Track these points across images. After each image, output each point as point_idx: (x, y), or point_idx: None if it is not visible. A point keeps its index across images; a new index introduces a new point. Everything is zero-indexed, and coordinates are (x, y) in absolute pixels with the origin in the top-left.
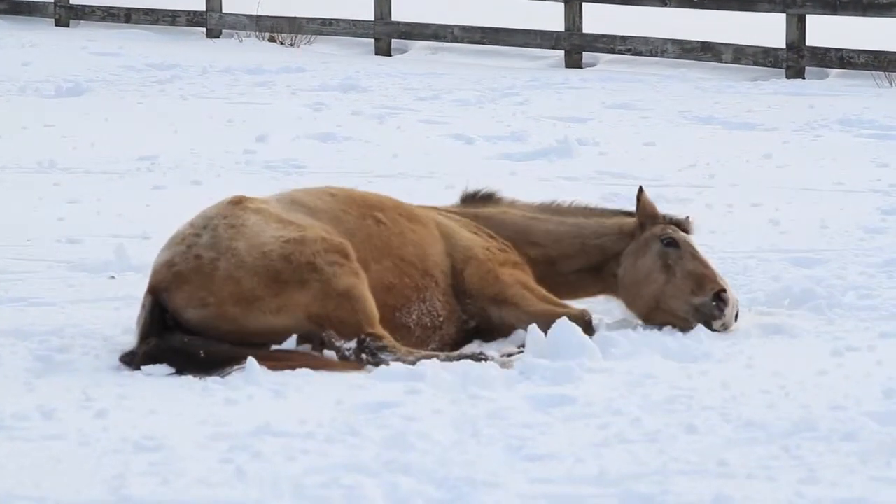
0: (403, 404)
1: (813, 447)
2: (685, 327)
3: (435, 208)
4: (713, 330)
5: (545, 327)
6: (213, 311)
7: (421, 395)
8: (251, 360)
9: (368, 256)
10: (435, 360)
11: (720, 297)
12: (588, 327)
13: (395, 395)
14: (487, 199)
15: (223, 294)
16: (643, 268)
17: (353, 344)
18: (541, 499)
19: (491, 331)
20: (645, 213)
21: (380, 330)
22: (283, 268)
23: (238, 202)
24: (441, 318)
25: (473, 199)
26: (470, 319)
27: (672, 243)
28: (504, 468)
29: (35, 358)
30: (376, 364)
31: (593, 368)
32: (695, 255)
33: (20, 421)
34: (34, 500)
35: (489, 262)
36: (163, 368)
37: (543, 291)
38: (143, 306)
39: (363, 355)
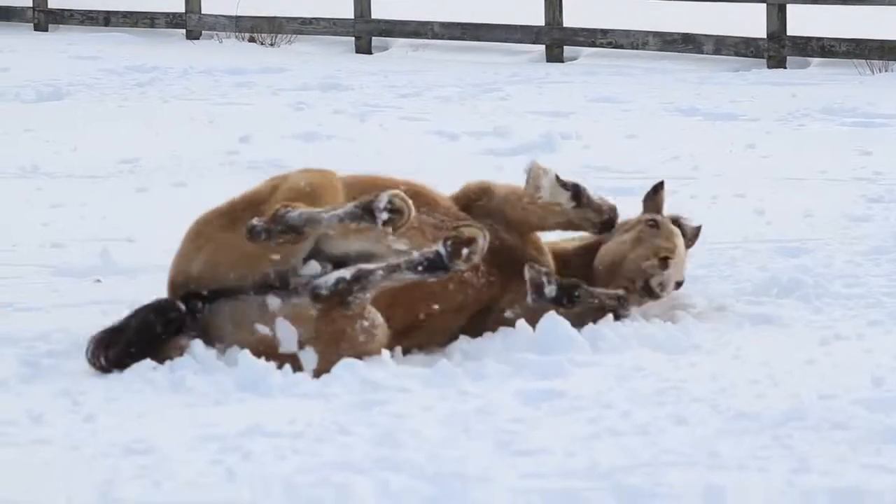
0: (393, 402)
1: (804, 436)
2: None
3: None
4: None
5: None
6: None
7: (410, 392)
8: (244, 356)
9: None
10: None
11: (664, 261)
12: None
13: (385, 392)
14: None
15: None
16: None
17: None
18: (532, 493)
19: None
20: (653, 208)
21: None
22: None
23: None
24: None
25: None
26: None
27: (654, 225)
28: (495, 463)
29: (21, 363)
30: (279, 224)
31: (582, 362)
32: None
33: (8, 426)
34: None
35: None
36: (150, 371)
37: None
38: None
39: (265, 226)
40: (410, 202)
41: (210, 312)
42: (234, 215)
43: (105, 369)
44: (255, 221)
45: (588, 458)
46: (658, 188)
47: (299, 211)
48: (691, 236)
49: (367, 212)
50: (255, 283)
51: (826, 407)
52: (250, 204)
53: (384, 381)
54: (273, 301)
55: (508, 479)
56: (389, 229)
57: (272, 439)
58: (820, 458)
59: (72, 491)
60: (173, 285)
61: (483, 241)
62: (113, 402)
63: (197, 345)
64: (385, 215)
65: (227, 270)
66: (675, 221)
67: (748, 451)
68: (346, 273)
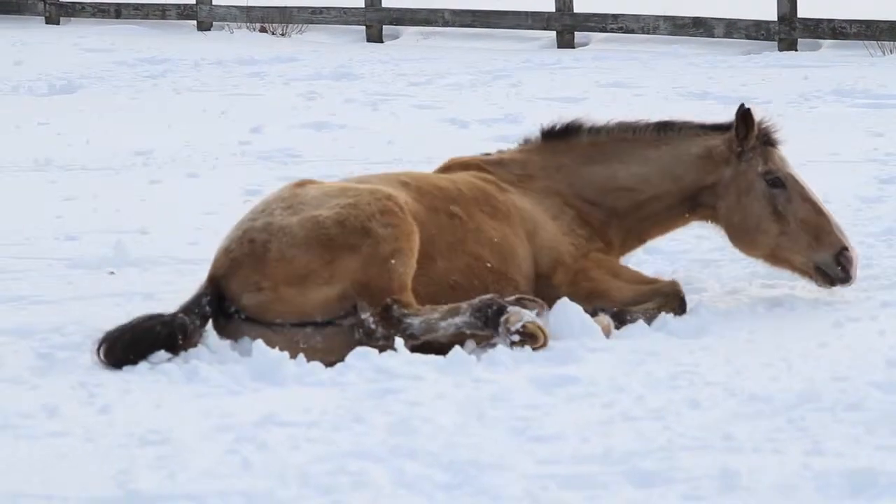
0: (407, 390)
1: (818, 419)
2: (808, 279)
3: (514, 159)
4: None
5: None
6: (268, 296)
7: (424, 380)
8: (258, 346)
9: (435, 251)
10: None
11: (844, 256)
12: (681, 304)
13: (399, 380)
14: (568, 133)
15: (277, 277)
16: (751, 212)
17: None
18: (547, 479)
19: None
20: (747, 136)
21: (408, 297)
22: (337, 233)
23: (300, 184)
24: None
25: (553, 135)
26: None
27: (777, 183)
28: (510, 450)
29: (37, 356)
30: (399, 332)
31: (596, 347)
32: (804, 197)
33: (25, 419)
34: (42, 497)
35: (577, 263)
36: (165, 363)
37: (631, 271)
38: (200, 295)
39: (381, 327)
40: (545, 329)
41: (235, 328)
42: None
43: (112, 365)
44: (371, 322)
45: (603, 444)
46: (745, 113)
47: (420, 319)
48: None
49: (492, 326)
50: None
51: (840, 389)
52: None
53: (398, 369)
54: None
55: (523, 466)
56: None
57: (287, 429)
58: (834, 441)
59: (88, 482)
60: (212, 279)
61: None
62: (128, 394)
63: (211, 336)
64: (516, 338)
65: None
66: (766, 141)
67: (762, 433)
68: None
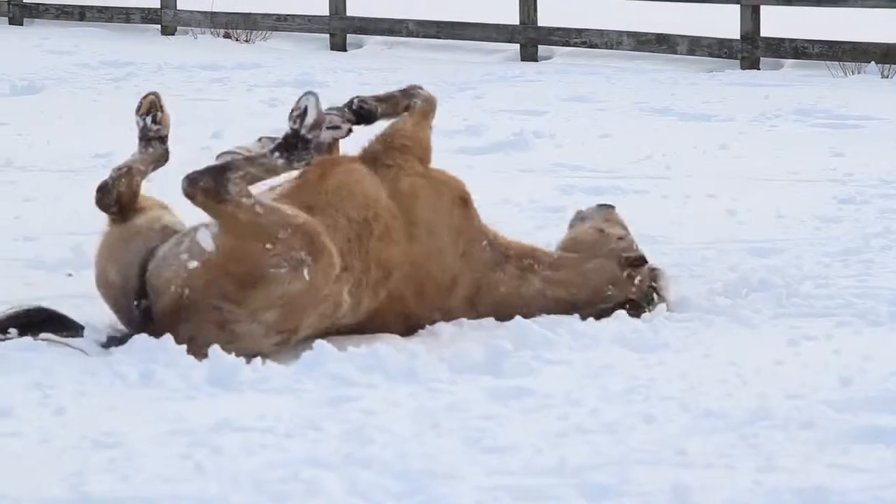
0: (362, 398)
1: (771, 436)
2: None
3: None
4: None
5: None
6: None
7: (379, 388)
8: (215, 351)
9: None
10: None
11: None
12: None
13: (355, 388)
14: None
15: None
16: None
17: None
18: (500, 490)
19: None
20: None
21: None
22: None
23: None
24: None
25: None
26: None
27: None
28: (463, 460)
29: None
30: None
31: (552, 360)
32: None
33: None
34: None
35: None
36: (121, 365)
37: None
38: None
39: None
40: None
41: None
42: None
43: None
44: None
45: (556, 456)
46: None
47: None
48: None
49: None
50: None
51: (793, 406)
52: None
53: (354, 377)
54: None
55: (476, 477)
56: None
57: (242, 434)
58: (787, 458)
59: (41, 484)
60: None
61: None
62: (83, 396)
63: (167, 339)
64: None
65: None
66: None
67: (715, 449)
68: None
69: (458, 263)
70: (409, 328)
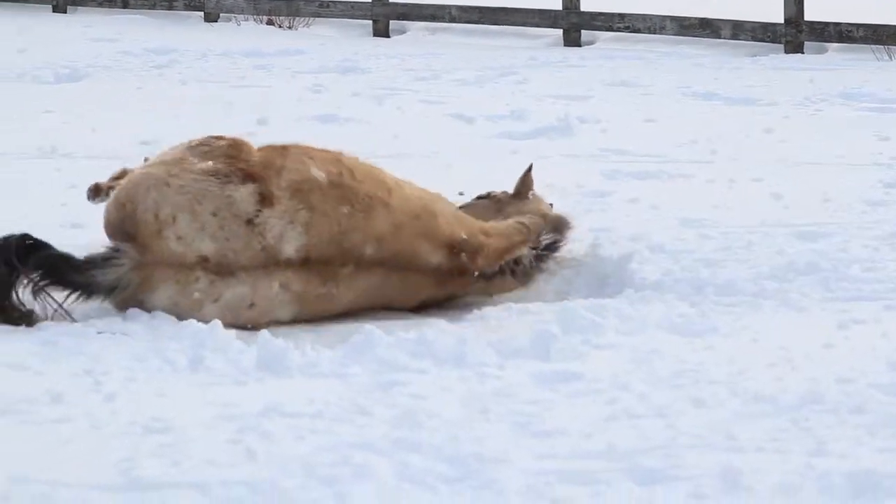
0: (412, 382)
1: (821, 420)
2: None
3: None
4: None
5: None
6: None
7: (429, 373)
8: (263, 336)
9: None
10: None
11: None
12: None
13: (404, 373)
14: None
15: None
16: None
17: None
18: (549, 474)
19: None
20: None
21: None
22: None
23: None
24: None
25: None
26: None
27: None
28: (512, 444)
29: (42, 343)
30: None
31: (599, 344)
32: None
33: (29, 405)
34: (45, 482)
35: None
36: (170, 351)
37: None
38: None
39: None
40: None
41: None
42: None
43: None
44: None
45: (605, 441)
46: (528, 170)
47: None
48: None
49: None
50: None
51: (843, 391)
52: None
53: (403, 361)
54: None
55: (525, 461)
56: None
57: (291, 419)
58: (837, 442)
59: (92, 469)
60: None
61: None
62: (133, 382)
63: (216, 325)
64: None
65: None
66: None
67: (765, 433)
68: None
69: None
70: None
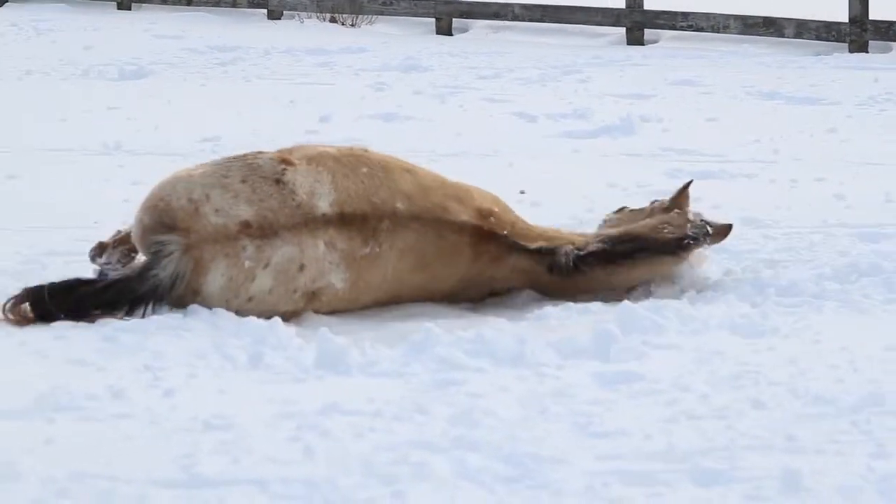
0: (470, 381)
1: (882, 422)
2: None
3: None
4: None
5: None
6: None
7: (487, 372)
8: (322, 334)
9: None
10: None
11: None
12: None
13: (462, 372)
14: None
15: None
16: None
17: None
18: (609, 475)
19: None
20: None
21: None
22: None
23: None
24: None
25: None
26: None
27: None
28: (571, 445)
29: (103, 339)
30: None
31: (659, 345)
32: None
33: (90, 400)
34: (106, 478)
35: None
36: (230, 348)
37: None
38: None
39: None
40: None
41: None
42: None
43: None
44: None
45: (665, 441)
46: (686, 186)
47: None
48: (720, 232)
49: None
50: None
51: None
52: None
53: (461, 360)
54: None
55: (585, 461)
56: None
57: (350, 417)
58: None
59: (152, 465)
60: None
61: None
62: (193, 379)
63: (276, 322)
64: None
65: None
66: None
67: (826, 435)
68: None
69: None
70: None
